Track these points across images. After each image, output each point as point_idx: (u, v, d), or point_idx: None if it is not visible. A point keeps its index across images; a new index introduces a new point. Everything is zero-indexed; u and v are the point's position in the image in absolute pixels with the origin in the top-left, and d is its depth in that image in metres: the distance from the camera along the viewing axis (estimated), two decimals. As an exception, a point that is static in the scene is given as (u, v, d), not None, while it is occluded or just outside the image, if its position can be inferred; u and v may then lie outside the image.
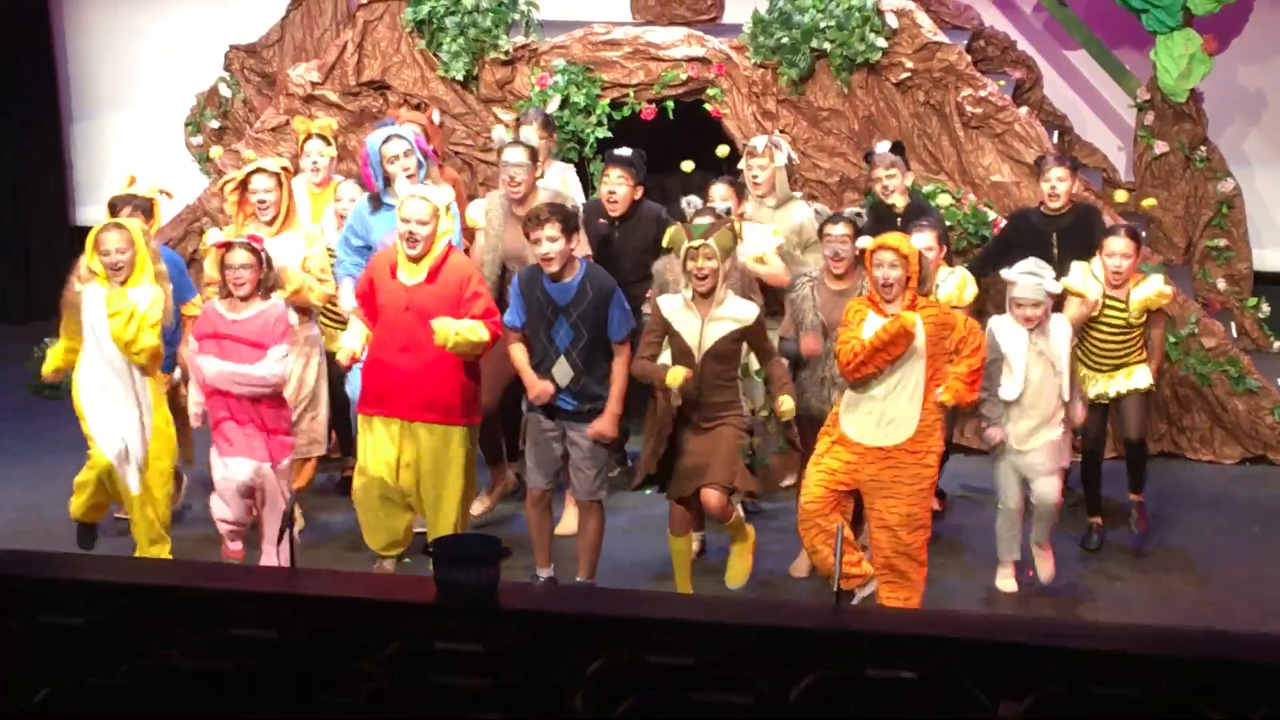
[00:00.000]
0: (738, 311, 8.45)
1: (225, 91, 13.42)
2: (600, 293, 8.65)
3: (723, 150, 11.10)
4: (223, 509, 8.84)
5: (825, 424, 8.60)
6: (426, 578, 6.33)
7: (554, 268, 8.57)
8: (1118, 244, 9.46)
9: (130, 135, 14.29)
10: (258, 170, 9.56)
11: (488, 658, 5.35)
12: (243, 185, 9.59)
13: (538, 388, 8.72)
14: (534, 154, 9.65)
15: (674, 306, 8.51)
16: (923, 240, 9.37)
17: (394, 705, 5.09)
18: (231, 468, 8.72)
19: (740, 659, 5.73)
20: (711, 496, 8.63)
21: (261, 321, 8.60)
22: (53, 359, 9.05)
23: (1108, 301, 9.49)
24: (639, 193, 10.10)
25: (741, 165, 10.13)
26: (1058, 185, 10.08)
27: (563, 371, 8.68)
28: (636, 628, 6.07)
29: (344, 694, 5.25)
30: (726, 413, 8.55)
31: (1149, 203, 11.54)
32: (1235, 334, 12.00)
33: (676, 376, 8.35)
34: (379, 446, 8.87)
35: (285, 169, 9.65)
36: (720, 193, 9.76)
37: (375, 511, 8.95)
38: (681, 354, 8.47)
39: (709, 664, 5.35)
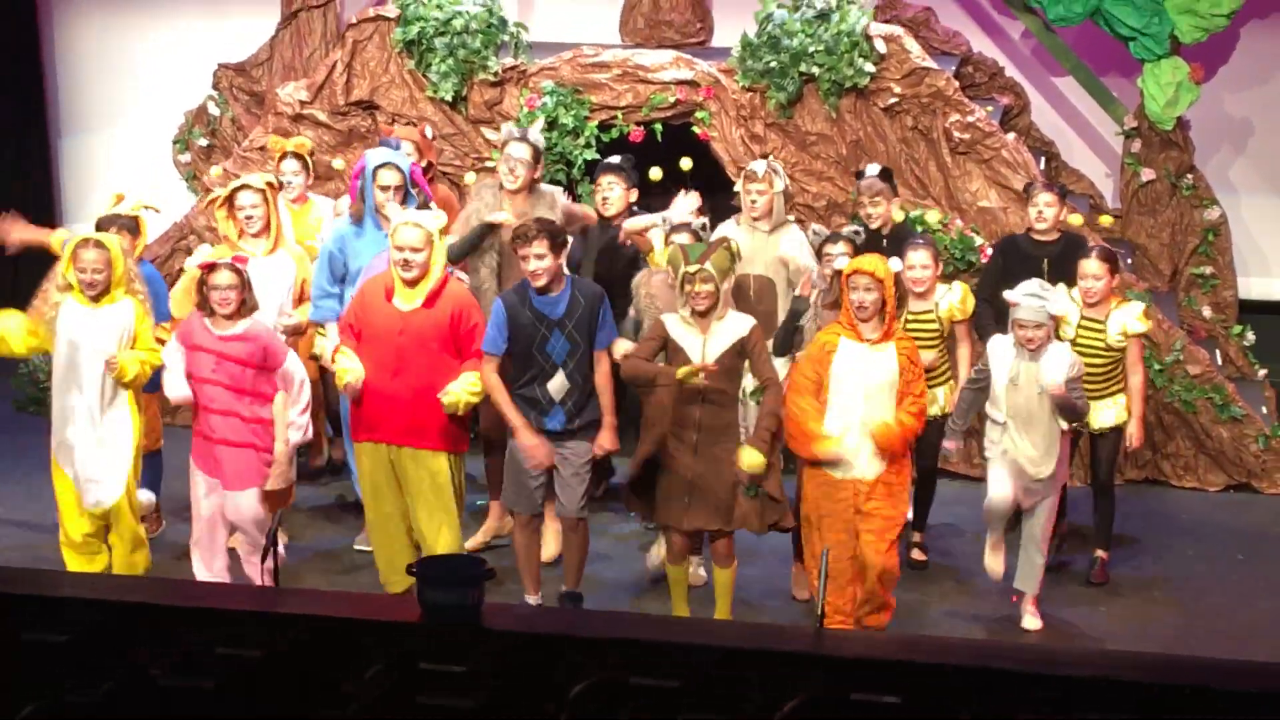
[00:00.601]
0: (736, 326, 8.48)
1: (214, 110, 13.44)
2: (591, 300, 8.70)
3: (686, 164, 11.08)
4: (203, 567, 8.86)
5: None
6: (411, 598, 6.32)
7: (542, 282, 8.58)
8: (1090, 265, 9.48)
9: (119, 153, 14.28)
10: (243, 186, 9.58)
11: (472, 678, 5.34)
12: (229, 202, 9.60)
13: (533, 444, 8.69)
14: (537, 154, 9.72)
15: (674, 323, 8.53)
16: (919, 257, 9.45)
17: (378, 725, 5.08)
18: (204, 491, 8.73)
19: (725, 681, 5.73)
20: (721, 546, 8.68)
21: (250, 344, 8.60)
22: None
23: (1083, 323, 9.49)
24: (633, 196, 10.20)
25: (738, 188, 10.13)
26: (1045, 210, 10.08)
27: (558, 385, 8.67)
28: (621, 649, 6.06)
29: (328, 713, 5.24)
30: (725, 438, 8.50)
31: (1106, 220, 11.57)
32: (1220, 361, 12.03)
33: (687, 371, 8.36)
34: (377, 474, 8.84)
35: (270, 184, 9.67)
36: (689, 205, 9.81)
37: (387, 541, 8.94)
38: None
39: (693, 686, 5.35)
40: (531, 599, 8.98)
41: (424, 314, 8.65)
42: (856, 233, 9.30)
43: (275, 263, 9.49)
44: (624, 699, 5.24)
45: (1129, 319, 9.48)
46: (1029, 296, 8.85)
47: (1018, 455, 8.91)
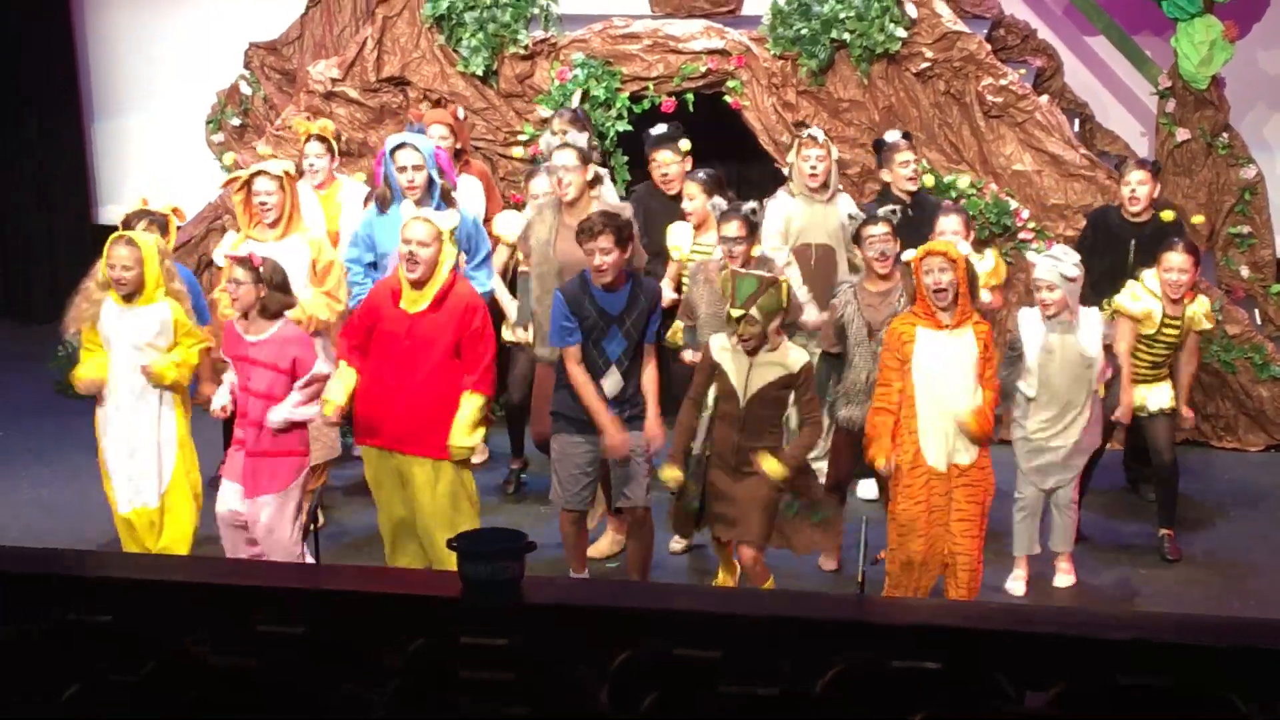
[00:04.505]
0: (786, 359, 8.32)
1: (246, 89, 13.44)
2: (650, 298, 8.55)
3: (685, 144, 10.93)
4: (231, 548, 8.78)
5: (901, 444, 8.52)
6: (452, 573, 6.34)
7: (608, 279, 8.41)
8: (1175, 258, 9.26)
9: (152, 134, 14.33)
10: (260, 173, 9.53)
11: (513, 652, 5.36)
12: (247, 186, 9.56)
13: (617, 440, 8.51)
14: (584, 156, 9.51)
15: (722, 346, 8.38)
16: (950, 224, 9.41)
17: (420, 700, 5.10)
18: (232, 495, 8.65)
19: (766, 651, 5.74)
20: (745, 554, 8.54)
21: (277, 347, 8.46)
22: (90, 370, 8.93)
23: (1166, 321, 9.38)
24: (688, 164, 10.28)
25: (791, 158, 10.13)
26: (1138, 189, 9.91)
27: (613, 382, 8.52)
28: (661, 620, 6.08)
29: (370, 689, 5.26)
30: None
31: (1167, 216, 11.34)
32: (1259, 321, 11.97)
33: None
34: (382, 477, 8.70)
35: (288, 173, 9.60)
36: (691, 192, 9.80)
37: (395, 542, 8.83)
38: (726, 396, 8.35)
39: (734, 656, 5.36)
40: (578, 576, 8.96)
41: (430, 318, 8.42)
42: (893, 212, 9.15)
43: (287, 248, 9.38)
44: (666, 670, 5.25)
45: (1200, 314, 9.40)
46: (1046, 257, 8.83)
47: (1043, 434, 8.91)
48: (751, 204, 9.33)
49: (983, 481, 8.46)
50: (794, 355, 8.37)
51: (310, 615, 5.96)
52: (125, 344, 8.81)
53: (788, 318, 8.44)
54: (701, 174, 9.96)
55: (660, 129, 10.45)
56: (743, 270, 8.49)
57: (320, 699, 5.12)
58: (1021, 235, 11.11)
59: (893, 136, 10.22)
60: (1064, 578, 9.21)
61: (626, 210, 9.07)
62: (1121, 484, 10.37)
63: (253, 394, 8.49)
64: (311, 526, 7.11)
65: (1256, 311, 12.10)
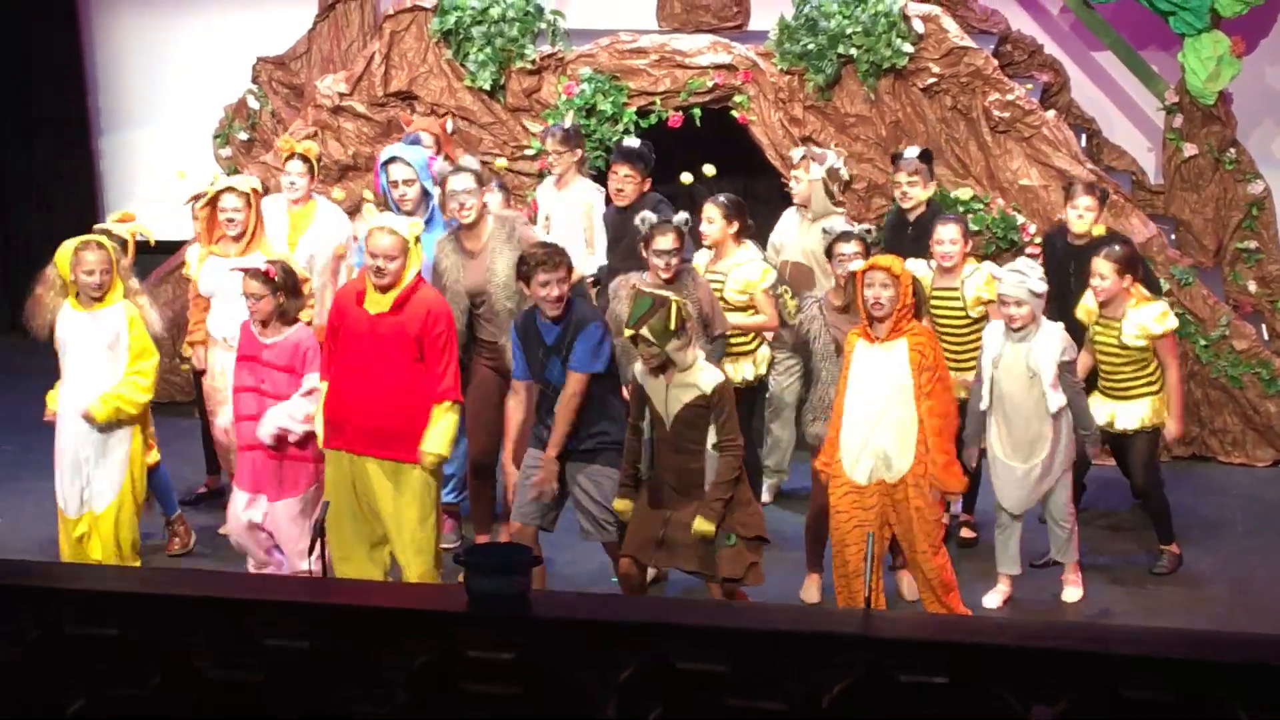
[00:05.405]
0: (700, 379, 8.08)
1: (253, 104, 13.46)
2: (574, 327, 8.39)
3: (709, 169, 10.90)
4: (243, 547, 8.81)
5: (822, 456, 8.55)
6: (458, 586, 6.34)
7: (557, 310, 8.34)
8: (1098, 264, 9.19)
9: (159, 148, 14.33)
10: (228, 189, 9.62)
11: (519, 666, 5.35)
12: (213, 202, 9.66)
13: (545, 473, 8.45)
14: (479, 177, 9.44)
15: (643, 371, 8.20)
16: (948, 232, 9.38)
17: (426, 714, 5.09)
18: (243, 505, 8.69)
19: (772, 665, 5.73)
20: (715, 592, 8.35)
21: (291, 347, 8.55)
22: (54, 400, 9.13)
23: (1099, 321, 9.32)
24: (646, 186, 10.14)
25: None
26: (1085, 215, 9.87)
27: None
28: (668, 634, 6.07)
29: (376, 703, 5.26)
30: (694, 485, 8.15)
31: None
32: (1266, 336, 11.97)
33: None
34: (338, 480, 8.57)
35: (255, 190, 9.68)
36: (710, 215, 9.65)
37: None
38: (655, 421, 8.18)
39: (741, 670, 5.35)
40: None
41: (391, 320, 8.34)
42: (868, 231, 9.13)
43: (248, 264, 9.37)
44: (672, 683, 5.25)
45: (1147, 320, 9.20)
46: (1011, 272, 8.81)
47: (1002, 452, 8.91)
48: (683, 215, 9.22)
49: (921, 497, 8.35)
50: (706, 375, 8.09)
51: (316, 629, 5.95)
52: (82, 349, 8.88)
53: (691, 340, 8.13)
54: (722, 198, 9.71)
55: (629, 143, 10.36)
56: (646, 288, 8.39)
57: (327, 713, 5.12)
58: (1029, 250, 11.10)
59: (911, 153, 10.18)
60: (1072, 590, 9.18)
61: (519, 221, 9.35)
62: (1129, 500, 10.33)
63: (267, 396, 8.57)
64: (318, 540, 7.11)
65: (1264, 326, 12.10)
